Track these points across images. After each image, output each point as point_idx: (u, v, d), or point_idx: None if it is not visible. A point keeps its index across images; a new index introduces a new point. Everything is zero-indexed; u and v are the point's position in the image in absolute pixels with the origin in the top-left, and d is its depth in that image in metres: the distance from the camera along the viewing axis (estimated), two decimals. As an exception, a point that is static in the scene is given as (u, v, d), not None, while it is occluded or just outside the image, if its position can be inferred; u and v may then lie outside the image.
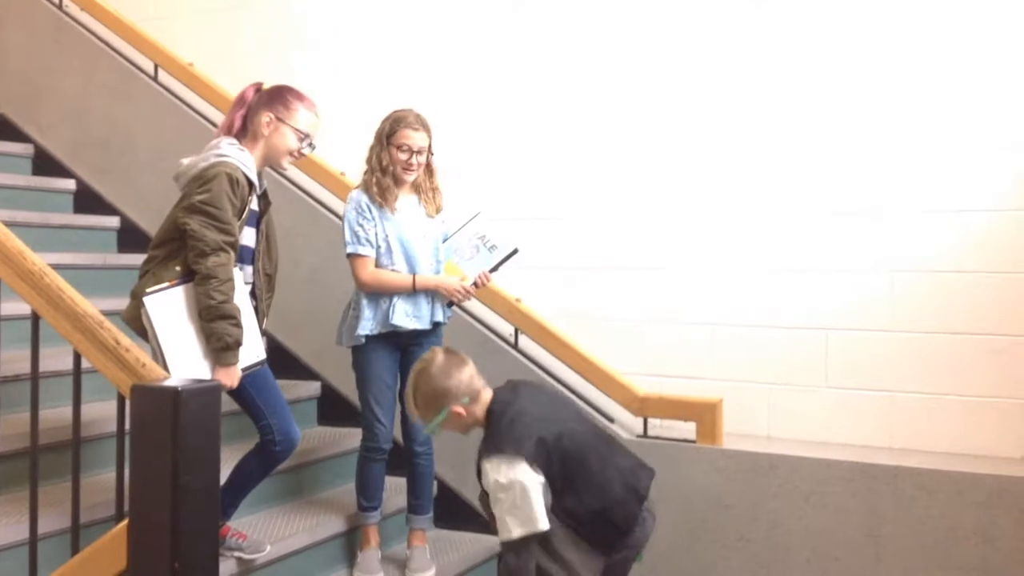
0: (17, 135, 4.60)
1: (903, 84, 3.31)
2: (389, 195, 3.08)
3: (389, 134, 3.07)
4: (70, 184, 4.45)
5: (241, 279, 2.61)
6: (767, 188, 3.51)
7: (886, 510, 3.04)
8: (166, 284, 2.48)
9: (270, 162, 2.78)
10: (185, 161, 2.66)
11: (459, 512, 3.57)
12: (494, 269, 3.12)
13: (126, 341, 2.12)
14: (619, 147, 3.75)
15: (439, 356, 2.51)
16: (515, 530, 2.28)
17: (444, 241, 3.18)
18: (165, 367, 2.36)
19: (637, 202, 3.71)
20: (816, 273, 3.42)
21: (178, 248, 2.53)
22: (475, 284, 3.11)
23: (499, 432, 2.38)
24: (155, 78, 4.44)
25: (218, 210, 2.50)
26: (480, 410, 2.48)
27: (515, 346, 3.64)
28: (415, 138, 3.04)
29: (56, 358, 2.54)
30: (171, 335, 2.44)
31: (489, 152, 3.97)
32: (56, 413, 2.63)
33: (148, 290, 2.45)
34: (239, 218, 2.59)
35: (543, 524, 2.28)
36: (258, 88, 2.78)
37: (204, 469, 2.02)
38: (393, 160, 3.06)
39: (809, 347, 3.42)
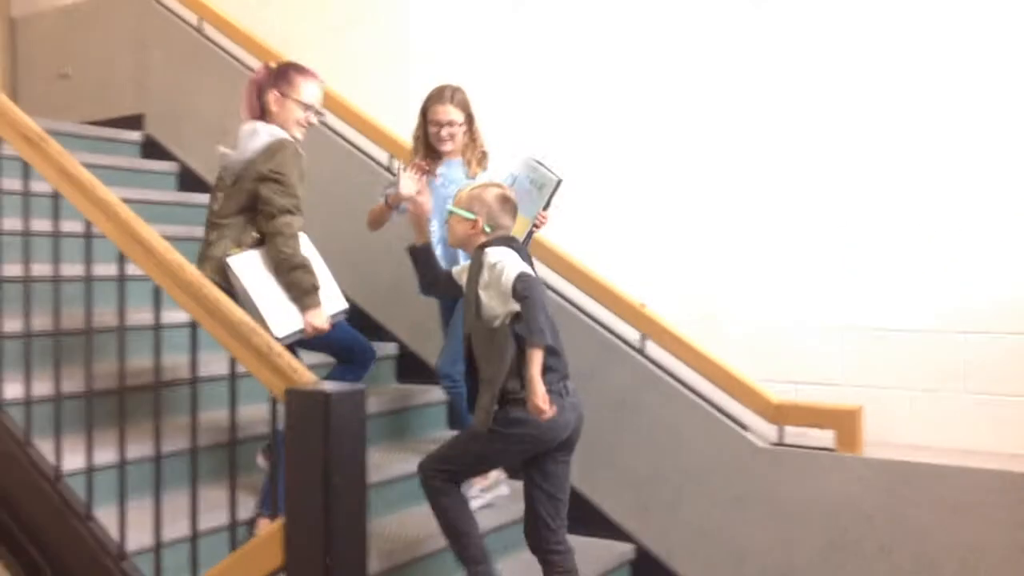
0: (163, 154, 4.85)
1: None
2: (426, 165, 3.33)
3: (424, 110, 3.35)
4: (212, 199, 4.66)
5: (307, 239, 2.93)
6: (902, 186, 3.39)
7: (1042, 523, 2.89)
8: (245, 248, 2.84)
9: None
10: (231, 153, 2.97)
11: (589, 518, 3.57)
12: (546, 207, 3.18)
13: (278, 347, 2.21)
14: (744, 140, 3.70)
15: (509, 194, 2.79)
16: (514, 271, 2.51)
17: None
18: (260, 320, 2.69)
19: (765, 201, 3.65)
20: (957, 274, 3.29)
21: (252, 217, 2.88)
22: (535, 227, 3.20)
23: (496, 242, 2.68)
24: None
25: (285, 177, 2.83)
26: (479, 238, 2.72)
27: (642, 352, 3.61)
28: (441, 112, 3.29)
29: (213, 364, 2.67)
30: (259, 289, 2.77)
31: (612, 157, 3.97)
32: (214, 416, 2.76)
33: (230, 253, 2.81)
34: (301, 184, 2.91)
35: (527, 271, 2.53)
36: (266, 68, 3.09)
37: (353, 470, 2.09)
38: (428, 133, 3.34)
39: (950, 351, 3.29)
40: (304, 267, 2.81)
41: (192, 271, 2.34)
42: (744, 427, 3.40)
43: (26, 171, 2.64)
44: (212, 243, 2.90)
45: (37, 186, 2.66)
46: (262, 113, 3.02)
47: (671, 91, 3.87)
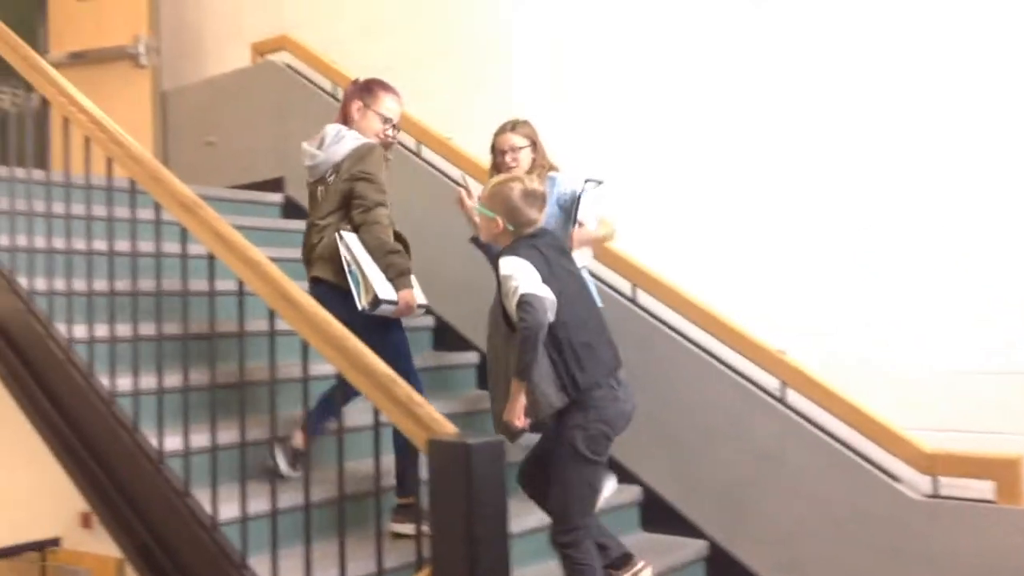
0: (302, 214, 5.03)
1: None
2: None
3: (492, 143, 3.53)
4: (347, 255, 4.84)
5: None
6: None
7: None
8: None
9: None
10: (319, 153, 3.20)
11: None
12: (573, 221, 3.32)
13: (418, 397, 2.25)
14: (883, 177, 3.59)
15: (533, 187, 2.78)
16: (518, 295, 2.53)
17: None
18: (366, 282, 2.95)
19: (916, 242, 3.52)
20: None
21: (344, 214, 3.13)
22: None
23: (517, 246, 2.71)
24: (417, 153, 4.75)
25: (375, 175, 3.10)
26: (507, 238, 2.78)
27: (782, 400, 3.51)
28: (503, 140, 3.48)
29: (357, 414, 2.74)
30: (367, 261, 3.00)
31: (749, 201, 3.93)
32: (356, 466, 2.82)
33: (341, 229, 3.07)
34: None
35: (540, 292, 2.54)
36: (355, 82, 3.37)
37: (495, 520, 2.10)
38: (495, 162, 3.53)
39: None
40: (399, 252, 3.06)
41: (337, 326, 2.43)
42: (895, 478, 3.24)
43: (184, 235, 2.81)
44: (316, 245, 3.17)
45: (193, 248, 2.82)
46: (347, 121, 3.28)
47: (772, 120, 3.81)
